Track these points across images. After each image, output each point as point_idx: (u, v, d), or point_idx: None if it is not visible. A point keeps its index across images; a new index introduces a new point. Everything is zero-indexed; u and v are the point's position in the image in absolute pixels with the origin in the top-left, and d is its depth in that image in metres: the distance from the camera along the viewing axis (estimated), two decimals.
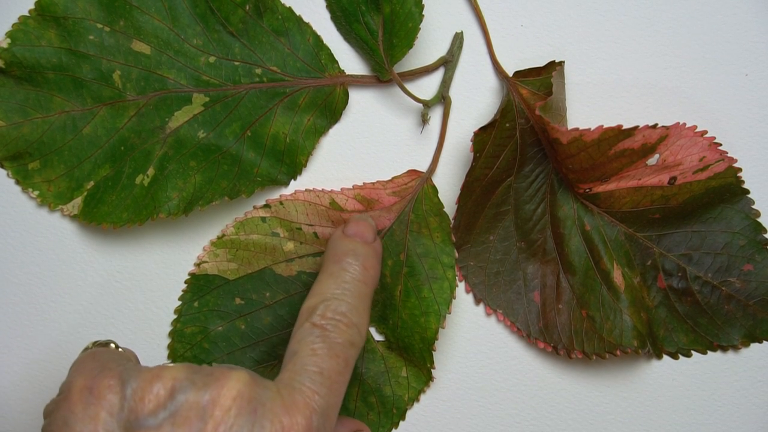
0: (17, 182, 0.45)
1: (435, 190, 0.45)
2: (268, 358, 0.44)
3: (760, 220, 0.44)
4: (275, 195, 0.46)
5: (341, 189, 0.45)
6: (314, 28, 0.46)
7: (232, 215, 0.45)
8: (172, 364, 0.35)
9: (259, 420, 0.33)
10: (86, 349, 0.37)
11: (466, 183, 0.44)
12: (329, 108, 0.46)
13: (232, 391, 0.33)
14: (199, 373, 0.34)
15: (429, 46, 0.47)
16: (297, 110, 0.45)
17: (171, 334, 0.44)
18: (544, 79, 0.44)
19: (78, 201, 0.44)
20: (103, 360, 0.35)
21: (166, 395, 0.33)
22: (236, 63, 0.45)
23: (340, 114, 0.46)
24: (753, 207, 0.44)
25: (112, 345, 0.38)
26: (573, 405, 0.46)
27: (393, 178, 0.46)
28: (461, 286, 0.46)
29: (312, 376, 0.35)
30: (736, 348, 0.45)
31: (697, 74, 0.46)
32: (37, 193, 0.44)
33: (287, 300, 0.44)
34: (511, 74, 0.45)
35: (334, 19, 0.46)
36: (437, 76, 0.47)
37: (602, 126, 0.41)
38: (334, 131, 0.47)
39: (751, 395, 0.46)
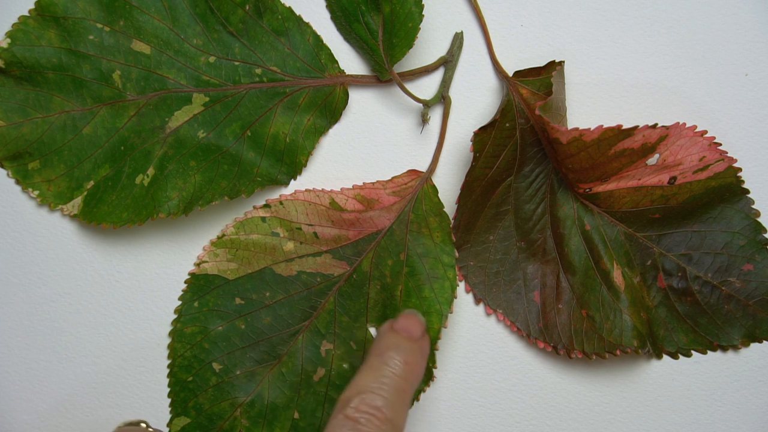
0: (17, 182, 0.45)
1: (435, 189, 0.45)
2: (268, 357, 0.44)
3: (760, 220, 0.44)
4: (275, 195, 0.46)
5: (341, 189, 0.45)
6: (314, 28, 0.46)
7: (232, 215, 0.45)
8: None
9: None
10: (118, 428, 0.37)
11: (466, 183, 0.44)
12: (329, 108, 0.46)
13: None
14: None
15: (429, 46, 0.47)
16: (297, 110, 0.45)
17: (171, 334, 0.44)
18: (544, 79, 0.44)
19: (78, 201, 0.44)
20: None
21: None
22: (236, 63, 0.45)
23: (340, 114, 0.46)
24: (753, 207, 0.44)
25: (143, 425, 0.38)
26: (573, 405, 0.46)
27: (393, 177, 0.46)
28: (461, 286, 0.46)
29: None
30: (736, 348, 0.45)
31: (697, 74, 0.46)
32: (37, 192, 0.44)
33: (287, 300, 0.44)
34: (511, 74, 0.45)
35: (334, 19, 0.46)
36: (437, 76, 0.47)
37: (602, 126, 0.41)
38: (334, 131, 0.47)
39: (751, 395, 0.46)
